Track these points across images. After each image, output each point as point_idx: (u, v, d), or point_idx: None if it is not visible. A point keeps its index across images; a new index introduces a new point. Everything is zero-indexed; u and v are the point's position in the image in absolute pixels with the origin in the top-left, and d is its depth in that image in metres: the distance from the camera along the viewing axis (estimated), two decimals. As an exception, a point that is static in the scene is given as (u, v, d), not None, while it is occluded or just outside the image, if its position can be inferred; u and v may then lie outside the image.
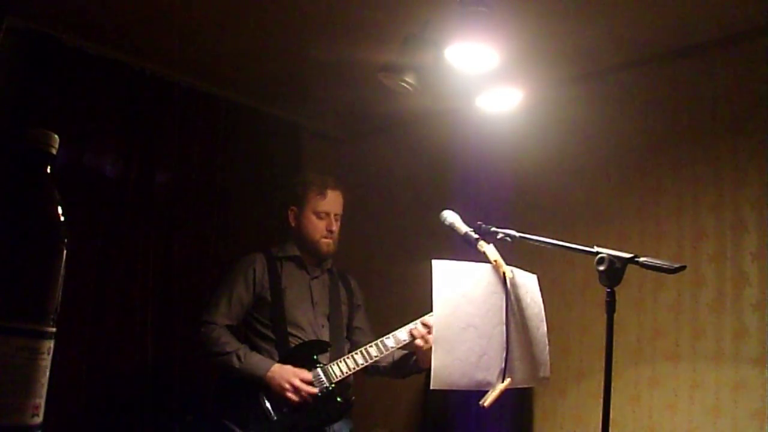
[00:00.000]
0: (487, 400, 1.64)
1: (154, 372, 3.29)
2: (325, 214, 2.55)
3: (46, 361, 0.82)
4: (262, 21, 2.96)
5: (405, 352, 2.45)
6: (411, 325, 2.33)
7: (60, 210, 0.85)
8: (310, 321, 2.50)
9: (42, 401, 0.81)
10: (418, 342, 2.28)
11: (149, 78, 3.41)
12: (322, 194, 2.55)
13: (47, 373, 0.82)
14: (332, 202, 2.57)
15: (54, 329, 0.83)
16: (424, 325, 2.29)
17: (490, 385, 1.65)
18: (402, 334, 2.34)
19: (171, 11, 2.90)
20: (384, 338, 2.36)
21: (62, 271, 0.84)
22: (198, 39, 3.16)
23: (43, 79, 3.04)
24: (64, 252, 0.85)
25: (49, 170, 0.86)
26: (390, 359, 2.49)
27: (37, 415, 0.80)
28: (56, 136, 0.87)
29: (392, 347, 2.35)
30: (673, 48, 2.94)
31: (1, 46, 2.90)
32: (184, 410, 3.10)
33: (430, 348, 2.22)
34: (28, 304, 0.81)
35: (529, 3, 2.60)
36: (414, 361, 2.42)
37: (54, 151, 0.87)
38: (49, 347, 0.83)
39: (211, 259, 3.56)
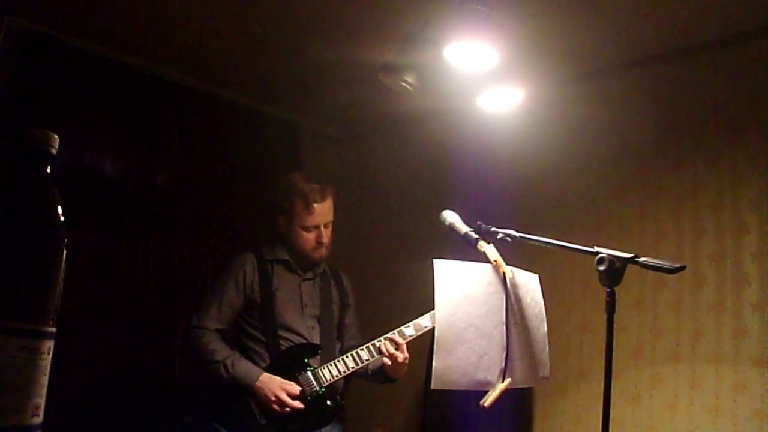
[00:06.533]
0: (488, 400, 1.64)
1: (154, 372, 3.29)
2: (313, 227, 2.50)
3: (46, 361, 0.82)
4: (262, 21, 2.96)
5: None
6: (404, 329, 2.34)
7: (60, 210, 0.85)
8: (299, 323, 2.49)
9: (42, 401, 0.81)
10: (385, 359, 2.33)
11: (149, 78, 3.41)
12: (308, 210, 2.48)
13: (47, 373, 0.82)
14: (320, 215, 2.50)
15: (54, 329, 0.83)
16: (392, 341, 2.32)
17: (491, 385, 1.66)
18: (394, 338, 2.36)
19: (171, 11, 2.90)
20: (375, 341, 2.36)
21: (62, 271, 0.84)
22: (198, 39, 3.16)
23: (43, 79, 3.04)
24: (64, 252, 0.85)
25: (49, 170, 0.86)
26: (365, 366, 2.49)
27: (37, 415, 0.80)
28: (56, 136, 0.87)
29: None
30: (673, 48, 2.94)
31: (1, 46, 2.90)
32: (184, 411, 3.10)
33: (399, 364, 2.32)
34: (28, 304, 0.81)
35: (530, 2, 2.59)
36: (384, 371, 2.44)
37: (54, 151, 0.87)
38: (49, 347, 0.83)
39: (211, 259, 3.56)
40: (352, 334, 2.68)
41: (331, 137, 4.35)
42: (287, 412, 2.31)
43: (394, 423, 3.76)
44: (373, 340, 2.37)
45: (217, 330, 2.44)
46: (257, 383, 2.32)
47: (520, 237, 1.78)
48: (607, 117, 3.15)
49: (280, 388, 2.31)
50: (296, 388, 2.33)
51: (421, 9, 2.53)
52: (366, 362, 2.37)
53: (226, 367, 2.35)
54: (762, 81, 2.69)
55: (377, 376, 2.52)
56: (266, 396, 2.30)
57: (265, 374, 2.35)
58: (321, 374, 2.37)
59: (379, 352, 2.34)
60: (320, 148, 4.22)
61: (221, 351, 2.38)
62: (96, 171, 3.23)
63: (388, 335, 2.34)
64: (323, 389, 2.36)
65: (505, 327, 1.69)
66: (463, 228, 1.88)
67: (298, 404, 2.31)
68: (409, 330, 2.33)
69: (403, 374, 2.44)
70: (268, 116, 3.94)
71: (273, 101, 3.88)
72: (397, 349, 2.31)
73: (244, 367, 2.37)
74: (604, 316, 1.44)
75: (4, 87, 2.95)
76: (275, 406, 2.30)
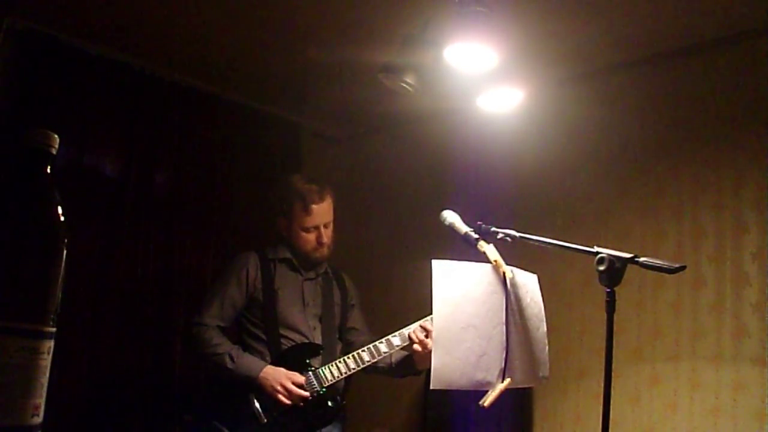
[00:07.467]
0: (487, 400, 1.64)
1: (154, 372, 3.29)
2: (313, 228, 2.50)
3: (46, 361, 0.82)
4: (262, 21, 2.96)
5: (404, 352, 2.45)
6: (406, 330, 2.32)
7: (60, 210, 0.85)
8: (301, 323, 2.49)
9: (42, 401, 0.81)
10: (416, 346, 2.28)
11: (149, 78, 3.41)
12: (307, 211, 2.48)
13: (47, 373, 0.83)
14: (319, 215, 2.50)
15: (54, 329, 0.84)
16: (423, 328, 2.28)
17: (490, 385, 1.66)
18: (396, 340, 2.33)
19: (171, 11, 2.90)
20: (377, 342, 2.35)
21: (62, 271, 0.84)
22: (198, 39, 3.16)
23: (43, 79, 3.04)
24: (64, 252, 0.85)
25: (49, 170, 0.86)
26: (388, 359, 2.48)
27: (37, 415, 0.81)
28: (56, 136, 0.87)
29: (385, 352, 2.35)
30: (673, 48, 2.94)
31: (1, 46, 2.90)
32: (183, 410, 3.10)
33: (428, 351, 2.22)
34: (28, 304, 0.81)
35: (529, 3, 2.60)
36: (411, 362, 2.42)
37: (54, 151, 0.87)
38: (49, 347, 0.83)
39: (211, 259, 3.56)
40: (364, 332, 2.64)
41: (331, 137, 4.35)
42: (293, 401, 2.30)
43: (394, 423, 3.76)
44: (375, 341, 2.37)
45: (219, 327, 2.45)
46: (262, 374, 2.32)
47: (520, 237, 1.78)
48: (607, 117, 3.15)
49: (285, 377, 2.32)
50: (301, 378, 2.34)
51: (421, 10, 2.53)
52: (367, 363, 2.36)
53: (231, 357, 2.35)
54: (762, 81, 2.69)
55: (400, 368, 2.48)
56: (272, 386, 2.30)
57: (269, 366, 2.36)
58: (322, 374, 2.37)
59: (408, 340, 2.29)
60: (320, 148, 4.22)
61: (224, 344, 2.40)
62: (96, 171, 3.23)
63: (419, 322, 2.28)
64: (324, 389, 2.36)
65: (504, 327, 1.69)
66: (463, 228, 1.88)
67: (304, 393, 2.32)
68: (429, 324, 2.28)
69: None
70: (268, 116, 3.94)
71: (273, 101, 3.88)
72: (427, 337, 2.24)
73: (248, 358, 2.38)
74: (604, 316, 1.44)
75: (4, 87, 2.95)
76: (281, 396, 2.29)
